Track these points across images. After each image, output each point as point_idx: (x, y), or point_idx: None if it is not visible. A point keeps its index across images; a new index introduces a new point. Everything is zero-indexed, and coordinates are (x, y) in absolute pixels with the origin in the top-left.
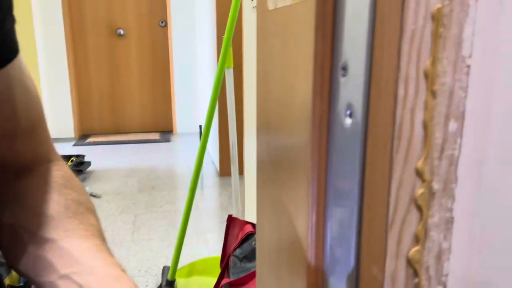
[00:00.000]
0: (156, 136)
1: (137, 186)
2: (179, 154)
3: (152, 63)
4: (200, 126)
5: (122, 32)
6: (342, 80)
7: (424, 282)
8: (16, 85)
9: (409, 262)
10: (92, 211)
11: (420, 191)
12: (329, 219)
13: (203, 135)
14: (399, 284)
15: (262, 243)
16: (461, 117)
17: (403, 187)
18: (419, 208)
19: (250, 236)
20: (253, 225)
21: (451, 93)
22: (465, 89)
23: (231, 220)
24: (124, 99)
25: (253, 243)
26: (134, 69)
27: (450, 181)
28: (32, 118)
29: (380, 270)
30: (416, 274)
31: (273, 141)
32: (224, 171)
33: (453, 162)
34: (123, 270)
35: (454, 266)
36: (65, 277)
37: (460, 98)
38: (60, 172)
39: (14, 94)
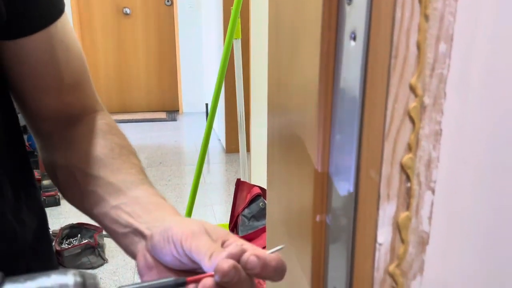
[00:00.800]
0: (162, 115)
1: (145, 162)
2: (186, 132)
3: (158, 43)
4: (206, 105)
5: (128, 11)
6: (347, 9)
7: (415, 187)
8: (58, 44)
9: (403, 168)
10: (133, 153)
11: (413, 104)
12: (334, 122)
13: (212, 102)
14: (394, 187)
15: (273, 207)
16: (450, 40)
17: (398, 100)
18: (412, 120)
19: (257, 197)
20: (261, 188)
21: (441, 18)
22: (453, 14)
23: (239, 184)
24: (130, 79)
25: (260, 204)
26: (140, 49)
27: (439, 96)
28: (75, 75)
29: (377, 173)
30: (408, 179)
31: (284, 111)
32: (230, 147)
33: (443, 80)
34: (164, 198)
35: (442, 174)
36: (116, 207)
37: (450, 22)
38: (104, 121)
39: (56, 52)
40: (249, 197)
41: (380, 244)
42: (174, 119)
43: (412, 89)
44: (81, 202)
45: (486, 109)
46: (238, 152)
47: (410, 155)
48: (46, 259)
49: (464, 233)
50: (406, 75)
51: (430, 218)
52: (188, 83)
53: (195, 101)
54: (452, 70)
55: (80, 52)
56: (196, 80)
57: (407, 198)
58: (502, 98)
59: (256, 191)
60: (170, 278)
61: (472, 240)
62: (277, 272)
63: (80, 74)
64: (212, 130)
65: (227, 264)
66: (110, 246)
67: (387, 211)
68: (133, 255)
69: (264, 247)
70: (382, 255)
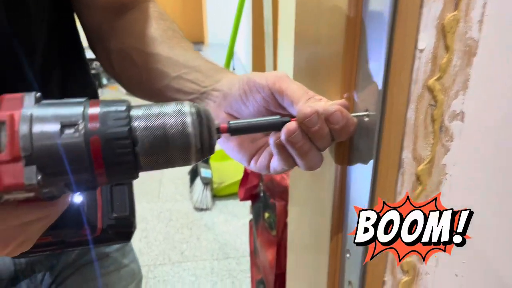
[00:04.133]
0: None
1: None
2: None
3: None
4: None
5: None
6: None
7: None
8: None
9: None
10: (185, 38)
11: None
12: None
13: (233, 29)
14: None
15: None
16: None
17: None
18: None
19: None
20: None
21: None
22: None
23: None
24: None
25: None
26: None
27: None
28: None
29: None
30: None
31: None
32: None
33: None
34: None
35: None
36: (177, 77)
37: None
38: (156, 9)
39: None
40: None
41: (420, 51)
42: (199, 50)
43: None
44: (140, 82)
45: None
46: None
47: None
48: None
49: None
50: None
51: (481, 22)
52: (214, 13)
53: (221, 32)
54: None
55: None
56: (222, 10)
57: None
58: None
59: None
60: (276, 117)
61: None
62: (350, 134)
63: None
64: (239, 62)
65: (310, 109)
66: None
67: (431, 10)
68: None
69: None
70: (422, 64)
